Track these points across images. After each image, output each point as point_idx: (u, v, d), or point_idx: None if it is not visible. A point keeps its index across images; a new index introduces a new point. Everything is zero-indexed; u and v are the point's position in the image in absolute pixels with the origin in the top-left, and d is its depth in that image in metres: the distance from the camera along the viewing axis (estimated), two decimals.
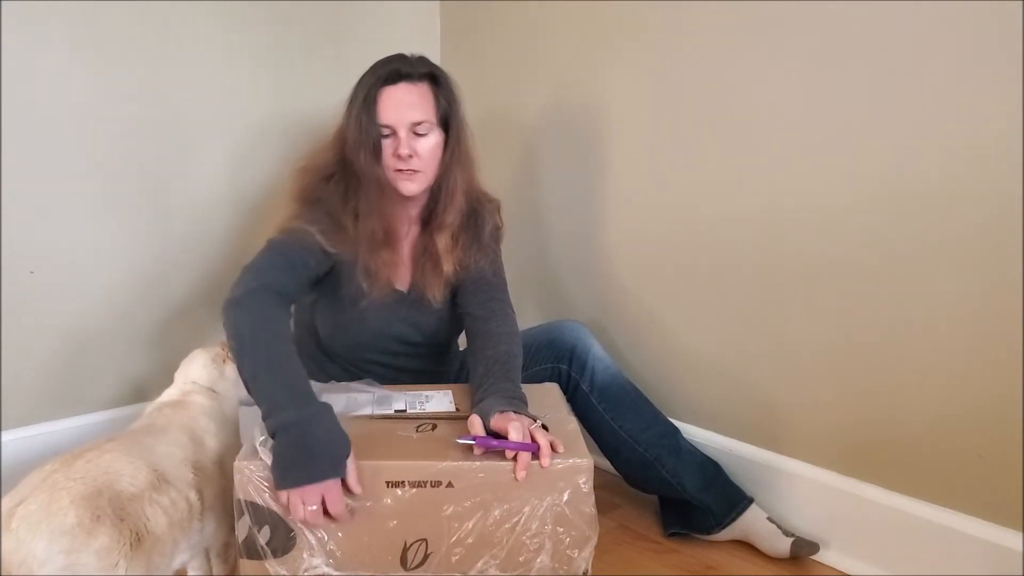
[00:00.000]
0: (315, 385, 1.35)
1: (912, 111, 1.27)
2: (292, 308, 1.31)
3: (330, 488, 1.04)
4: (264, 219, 1.84)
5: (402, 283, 1.42)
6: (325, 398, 1.30)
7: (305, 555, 1.07)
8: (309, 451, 1.04)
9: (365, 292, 1.35)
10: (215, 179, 1.79)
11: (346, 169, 1.34)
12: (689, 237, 1.63)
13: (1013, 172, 1.17)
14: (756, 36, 1.46)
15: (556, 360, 1.53)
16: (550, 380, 1.50)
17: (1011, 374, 1.21)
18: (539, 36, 1.89)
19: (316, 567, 1.08)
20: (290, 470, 1.03)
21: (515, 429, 1.09)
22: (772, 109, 1.45)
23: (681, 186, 1.63)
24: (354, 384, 1.38)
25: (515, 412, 1.14)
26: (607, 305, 1.83)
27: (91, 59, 1.59)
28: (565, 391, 1.47)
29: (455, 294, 1.44)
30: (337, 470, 1.04)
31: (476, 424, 1.13)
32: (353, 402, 1.29)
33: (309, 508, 1.03)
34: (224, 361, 1.33)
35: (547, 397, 1.36)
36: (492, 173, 2.05)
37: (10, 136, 1.52)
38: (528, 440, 1.09)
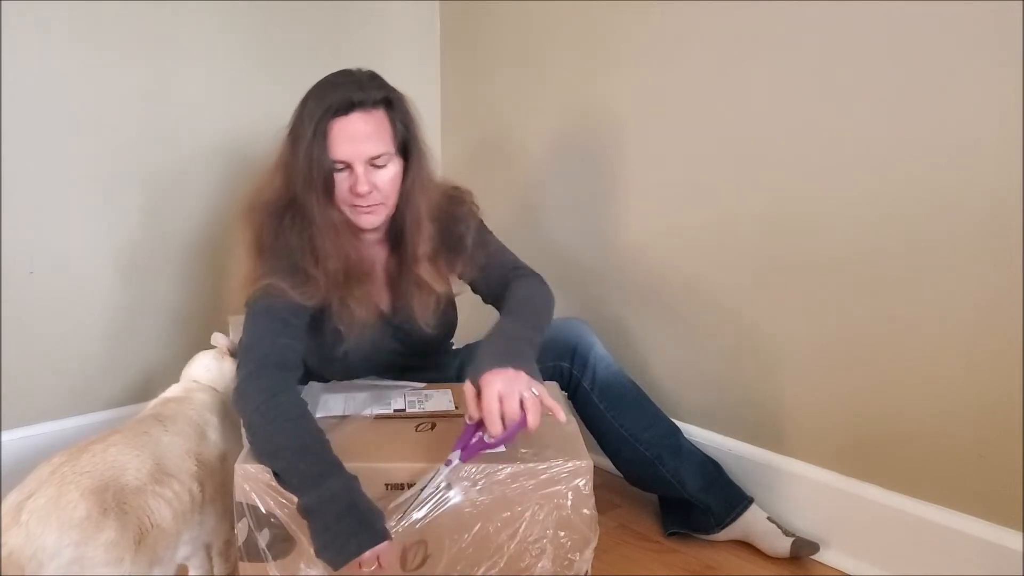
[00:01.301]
0: (315, 385, 1.37)
1: (913, 110, 1.27)
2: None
3: (384, 550, 1.02)
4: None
5: (383, 303, 1.37)
6: (325, 398, 1.30)
7: (302, 564, 1.07)
8: (362, 518, 1.02)
9: (344, 337, 1.31)
10: (215, 179, 1.79)
11: (297, 205, 1.26)
12: (689, 237, 1.63)
13: (1013, 171, 1.17)
14: (760, 38, 1.45)
15: (557, 358, 1.52)
16: (551, 378, 1.49)
17: (1011, 374, 1.21)
18: (540, 36, 1.89)
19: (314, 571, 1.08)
20: (349, 540, 1.00)
21: (488, 398, 1.03)
22: (774, 110, 1.45)
23: (683, 186, 1.63)
24: (354, 383, 1.39)
25: (500, 368, 1.06)
26: (608, 303, 1.83)
27: (91, 59, 1.59)
28: (566, 389, 1.47)
29: (471, 287, 1.41)
30: (384, 532, 1.03)
31: (469, 399, 1.06)
32: (352, 402, 1.29)
33: (367, 570, 1.01)
34: (223, 357, 1.33)
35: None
36: (495, 173, 2.06)
37: (10, 136, 1.52)
38: (501, 408, 1.03)
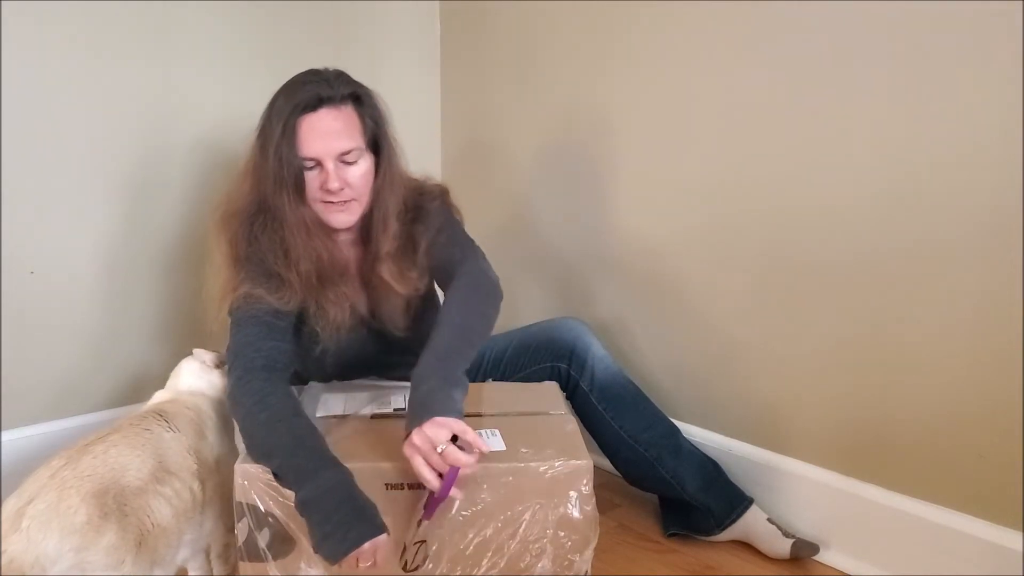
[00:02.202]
0: (315, 385, 1.37)
1: (911, 110, 1.26)
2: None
3: (380, 544, 1.02)
4: None
5: (361, 305, 1.34)
6: (325, 398, 1.30)
7: (303, 564, 1.07)
8: (360, 509, 1.03)
9: (319, 338, 1.29)
10: (215, 180, 1.79)
11: (268, 208, 1.25)
12: (690, 237, 1.63)
13: (1013, 172, 1.17)
14: (758, 40, 1.45)
15: (555, 359, 1.52)
16: (549, 379, 1.50)
17: (1011, 374, 1.21)
18: (540, 37, 1.89)
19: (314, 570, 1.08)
20: (349, 531, 1.01)
21: (418, 466, 1.03)
22: (772, 112, 1.45)
23: (682, 187, 1.63)
24: (354, 383, 1.39)
25: (415, 428, 1.05)
26: (607, 303, 1.83)
27: (91, 59, 1.59)
28: (565, 390, 1.47)
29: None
30: (383, 525, 1.03)
31: (422, 470, 1.04)
32: (353, 401, 1.29)
33: (364, 565, 1.01)
34: (209, 370, 1.31)
35: (546, 396, 1.36)
36: (495, 172, 2.06)
37: (10, 136, 1.52)
38: (430, 466, 1.03)
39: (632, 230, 1.75)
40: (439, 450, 1.02)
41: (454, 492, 1.05)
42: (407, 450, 1.05)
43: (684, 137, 1.61)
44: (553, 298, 1.97)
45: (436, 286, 1.42)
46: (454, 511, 1.08)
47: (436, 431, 1.03)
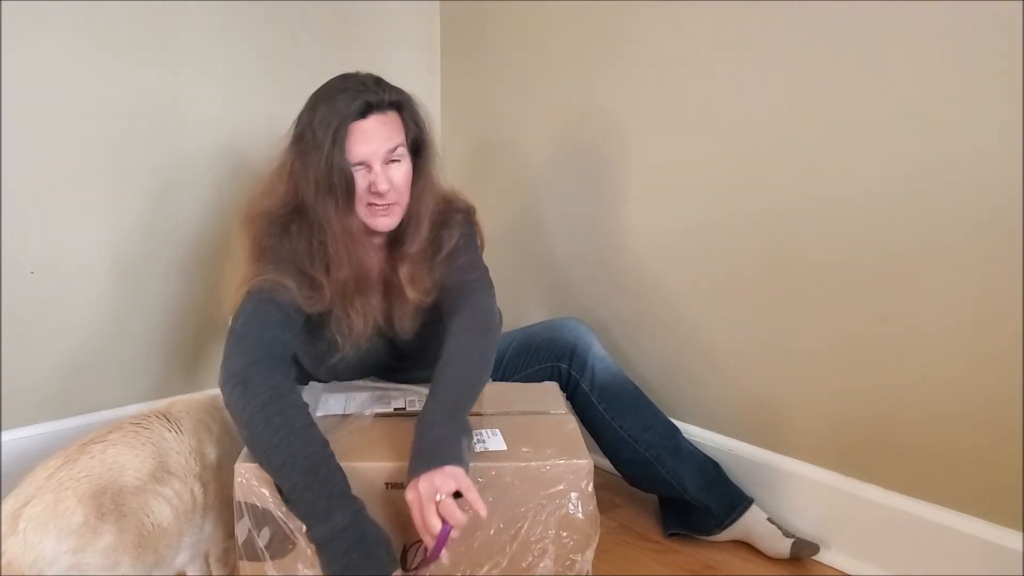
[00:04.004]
0: (316, 385, 1.36)
1: (912, 111, 1.27)
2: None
3: None
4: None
5: (379, 314, 1.33)
6: (325, 397, 1.30)
7: (300, 565, 1.07)
8: (369, 551, 1.02)
9: (339, 346, 1.29)
10: (216, 179, 1.79)
11: (306, 213, 1.24)
12: (690, 238, 1.63)
13: (1013, 172, 1.17)
14: (760, 42, 1.46)
15: (556, 359, 1.52)
16: (550, 379, 1.50)
17: (1011, 374, 1.21)
18: (541, 37, 1.89)
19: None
20: (360, 572, 1.01)
21: (416, 516, 1.02)
22: (773, 113, 1.45)
23: (683, 188, 1.63)
24: (355, 383, 1.39)
25: (425, 475, 1.02)
26: (608, 303, 1.83)
27: (91, 59, 1.59)
28: (565, 390, 1.47)
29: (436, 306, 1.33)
30: (396, 561, 1.03)
31: (418, 519, 1.02)
32: (353, 401, 1.29)
33: None
34: None
35: (546, 396, 1.36)
36: (496, 173, 2.06)
37: (10, 136, 1.51)
38: (433, 521, 1.00)
39: (632, 230, 1.75)
40: (438, 499, 1.00)
41: (443, 555, 1.03)
42: (410, 494, 1.02)
43: (685, 137, 1.61)
44: (554, 298, 1.97)
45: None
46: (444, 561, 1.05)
47: (444, 480, 1.01)
